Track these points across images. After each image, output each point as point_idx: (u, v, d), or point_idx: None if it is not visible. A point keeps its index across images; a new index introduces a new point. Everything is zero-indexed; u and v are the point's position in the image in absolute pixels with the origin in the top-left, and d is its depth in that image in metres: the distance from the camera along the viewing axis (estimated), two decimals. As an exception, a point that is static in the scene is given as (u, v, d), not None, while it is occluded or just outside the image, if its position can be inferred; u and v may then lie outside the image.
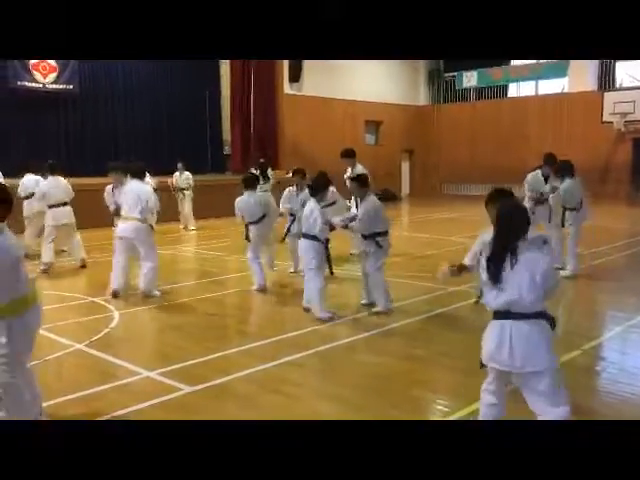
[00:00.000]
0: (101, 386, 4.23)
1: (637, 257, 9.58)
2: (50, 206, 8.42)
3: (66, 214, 8.49)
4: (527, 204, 7.98)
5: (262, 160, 12.67)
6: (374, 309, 6.08)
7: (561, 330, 5.24)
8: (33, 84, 15.10)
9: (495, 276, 2.90)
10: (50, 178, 8.61)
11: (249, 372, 4.48)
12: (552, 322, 3.01)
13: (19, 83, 14.82)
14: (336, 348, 5.12)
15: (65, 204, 8.51)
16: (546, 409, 2.95)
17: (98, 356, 4.89)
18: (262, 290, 7.07)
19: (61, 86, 15.66)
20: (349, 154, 9.57)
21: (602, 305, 6.78)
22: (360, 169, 9.54)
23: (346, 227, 6.08)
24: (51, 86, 15.47)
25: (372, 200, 5.97)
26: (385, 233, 5.99)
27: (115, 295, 6.68)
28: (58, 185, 8.56)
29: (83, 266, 8.68)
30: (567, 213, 7.52)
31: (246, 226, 7.10)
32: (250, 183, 7.21)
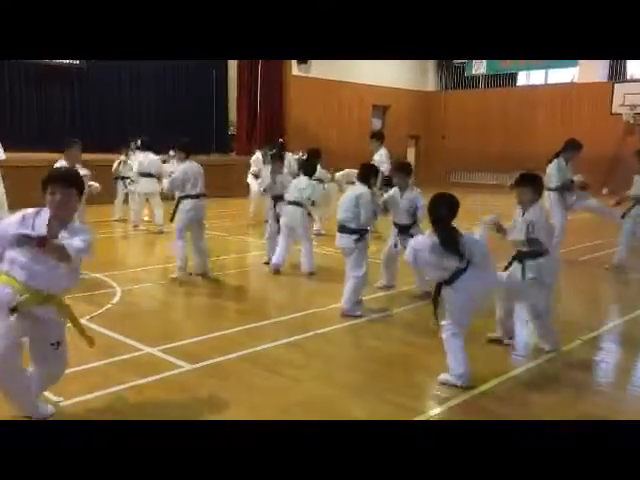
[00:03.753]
0: (100, 361, 4.23)
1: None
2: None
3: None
4: (553, 195, 7.73)
5: (281, 140, 12.57)
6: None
7: (562, 320, 5.22)
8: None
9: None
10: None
11: (249, 352, 4.48)
12: None
13: (26, 57, 14.75)
14: (337, 331, 5.11)
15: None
16: None
17: (98, 331, 4.88)
18: (276, 271, 7.07)
19: (67, 61, 15.55)
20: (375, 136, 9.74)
21: (605, 296, 6.76)
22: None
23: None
24: (57, 61, 15.36)
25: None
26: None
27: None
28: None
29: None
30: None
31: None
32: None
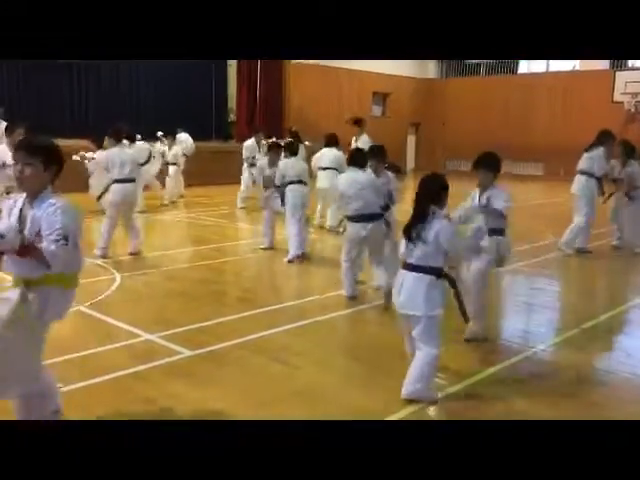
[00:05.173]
0: (101, 347, 4.24)
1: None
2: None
3: None
4: (592, 184, 7.52)
5: (294, 129, 12.54)
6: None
7: (563, 308, 5.24)
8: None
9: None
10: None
11: (249, 339, 4.49)
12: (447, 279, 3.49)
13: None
14: (336, 318, 5.12)
15: None
16: (419, 346, 3.54)
17: (98, 317, 4.90)
18: (299, 258, 7.05)
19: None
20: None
21: (606, 284, 6.76)
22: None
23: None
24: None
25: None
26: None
27: None
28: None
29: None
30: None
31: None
32: (295, 149, 7.56)
